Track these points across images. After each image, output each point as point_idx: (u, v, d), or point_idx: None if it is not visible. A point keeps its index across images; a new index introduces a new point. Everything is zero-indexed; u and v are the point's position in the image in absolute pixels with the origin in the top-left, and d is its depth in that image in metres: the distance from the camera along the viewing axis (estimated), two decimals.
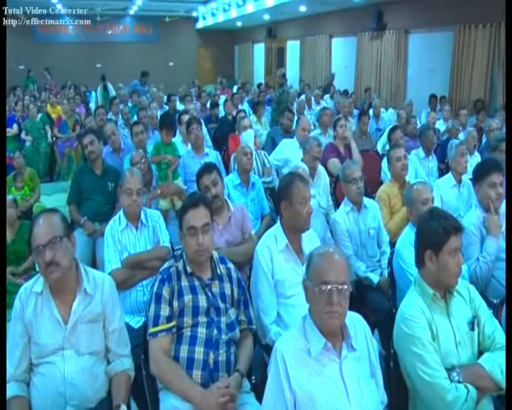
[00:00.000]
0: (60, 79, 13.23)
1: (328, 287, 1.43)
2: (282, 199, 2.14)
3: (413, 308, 1.67)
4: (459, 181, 3.41)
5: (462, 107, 6.62)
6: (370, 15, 9.32)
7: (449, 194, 3.34)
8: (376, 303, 2.60)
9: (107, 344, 1.76)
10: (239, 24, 15.33)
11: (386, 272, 2.69)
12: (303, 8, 10.75)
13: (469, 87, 7.28)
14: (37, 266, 1.70)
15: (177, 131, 4.49)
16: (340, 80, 10.99)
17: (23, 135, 7.02)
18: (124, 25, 16.63)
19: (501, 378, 1.59)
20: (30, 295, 1.69)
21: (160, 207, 3.23)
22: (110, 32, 16.35)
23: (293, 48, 13.51)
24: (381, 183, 3.83)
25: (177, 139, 4.36)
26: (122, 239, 2.47)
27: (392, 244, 2.73)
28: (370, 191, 3.78)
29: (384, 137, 5.25)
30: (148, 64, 16.05)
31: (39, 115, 7.40)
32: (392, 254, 2.52)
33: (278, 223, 2.20)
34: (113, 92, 12.01)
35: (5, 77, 2.87)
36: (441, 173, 4.29)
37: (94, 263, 2.99)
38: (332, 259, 1.48)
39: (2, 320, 1.62)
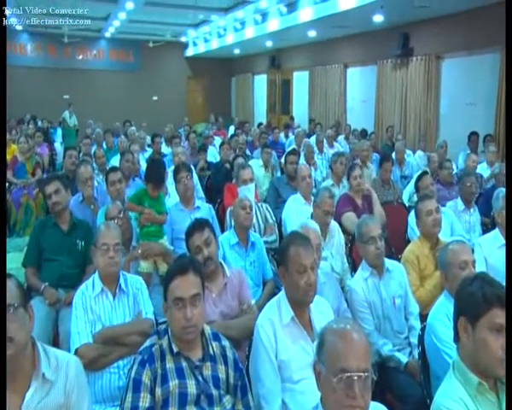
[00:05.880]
0: (16, 111, 13.13)
1: (348, 375, 1.43)
2: (280, 264, 2.26)
3: (452, 400, 1.66)
4: None
5: None
6: (394, 39, 9.62)
7: (496, 256, 3.34)
8: (405, 390, 2.60)
9: None
10: (237, 51, 15.99)
11: (416, 352, 2.71)
12: (312, 33, 11.21)
13: None
14: None
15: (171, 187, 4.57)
16: (356, 118, 11.28)
17: None
18: (98, 49, 17.14)
19: None
20: None
21: (141, 269, 3.29)
22: (81, 57, 16.84)
23: (300, 80, 14.03)
24: (408, 241, 3.92)
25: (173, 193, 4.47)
26: (95, 307, 2.52)
27: (424, 317, 2.76)
28: (395, 252, 3.86)
29: (411, 186, 5.37)
30: (127, 97, 16.52)
31: None
32: (423, 329, 2.55)
33: (283, 291, 2.28)
34: (75, 122, 12.53)
35: (5, 77, 3.06)
36: (485, 230, 4.36)
37: (56, 341, 2.99)
38: (351, 339, 1.49)
39: (2, 323, 1.62)
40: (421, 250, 3.32)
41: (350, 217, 4.24)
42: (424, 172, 4.98)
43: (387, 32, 9.85)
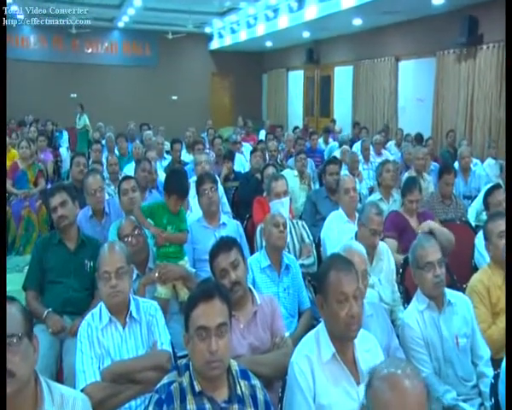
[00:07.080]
0: (17, 111, 13.39)
1: None
2: (318, 292, 2.28)
3: None
4: None
5: None
6: (457, 25, 9.46)
7: None
8: None
9: None
10: (268, 44, 16.22)
11: (488, 404, 2.64)
12: (357, 22, 11.30)
13: None
14: None
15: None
16: (410, 121, 11.23)
17: None
18: (110, 41, 17.56)
19: None
20: None
21: (158, 295, 3.32)
22: (90, 50, 17.27)
23: (343, 76, 14.10)
24: (475, 268, 3.86)
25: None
26: (103, 340, 2.55)
27: (497, 362, 2.69)
28: (459, 280, 3.81)
29: (479, 202, 5.30)
30: (142, 96, 16.84)
31: None
32: (496, 377, 2.50)
33: (322, 323, 2.28)
34: (86, 121, 12.83)
35: (5, 77, 3.22)
36: None
37: (60, 375, 3.05)
38: (402, 389, 1.50)
39: (2, 318, 1.67)
40: (493, 280, 3.26)
41: (390, 244, 4.06)
42: (496, 185, 4.89)
43: (449, 17, 9.73)
